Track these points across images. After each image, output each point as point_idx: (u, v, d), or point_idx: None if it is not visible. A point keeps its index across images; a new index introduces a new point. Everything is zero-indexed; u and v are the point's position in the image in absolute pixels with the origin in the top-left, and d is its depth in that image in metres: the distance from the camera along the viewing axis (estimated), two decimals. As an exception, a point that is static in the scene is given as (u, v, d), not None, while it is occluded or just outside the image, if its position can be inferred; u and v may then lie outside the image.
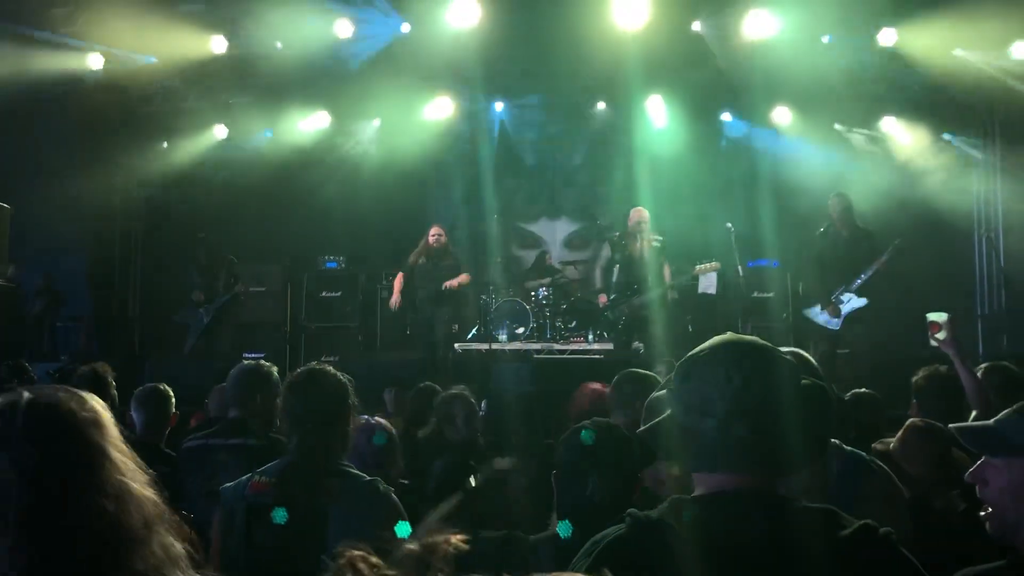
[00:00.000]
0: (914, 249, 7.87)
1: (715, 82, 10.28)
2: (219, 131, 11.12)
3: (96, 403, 1.38)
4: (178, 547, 1.36)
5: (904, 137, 10.56)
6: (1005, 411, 1.90)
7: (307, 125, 11.17)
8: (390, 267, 11.19)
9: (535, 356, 9.61)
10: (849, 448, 2.70)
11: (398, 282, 9.26)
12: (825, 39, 9.60)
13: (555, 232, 12.77)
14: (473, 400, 4.35)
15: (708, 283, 8.83)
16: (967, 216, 10.48)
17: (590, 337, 10.59)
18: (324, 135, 11.30)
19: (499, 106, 11.92)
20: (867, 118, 10.67)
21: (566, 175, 12.71)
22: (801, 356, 1.97)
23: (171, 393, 4.32)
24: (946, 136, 10.50)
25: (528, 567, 2.21)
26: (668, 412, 1.59)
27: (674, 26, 9.45)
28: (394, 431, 3.49)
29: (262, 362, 3.83)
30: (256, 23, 9.47)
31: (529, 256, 12.44)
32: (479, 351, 9.98)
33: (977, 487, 1.90)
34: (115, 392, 4.66)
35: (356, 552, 0.93)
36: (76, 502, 1.27)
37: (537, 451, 3.78)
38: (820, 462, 2.30)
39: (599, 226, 12.26)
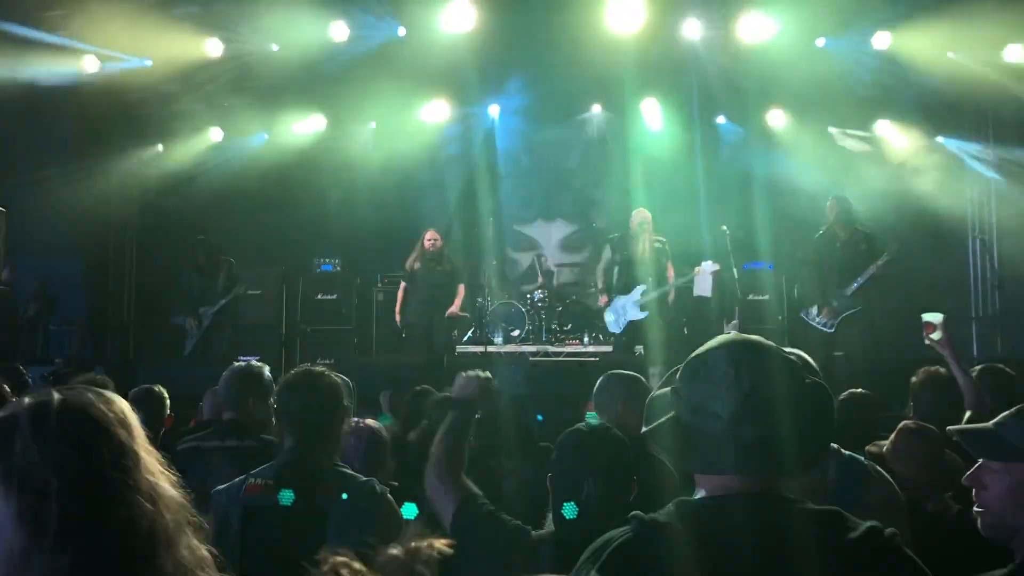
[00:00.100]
0: (909, 252, 7.89)
1: (710, 85, 10.29)
2: (214, 134, 11.11)
3: (123, 404, 1.38)
4: (202, 550, 1.36)
5: (898, 140, 10.59)
6: (1004, 414, 1.90)
7: (303, 128, 11.17)
8: (386, 270, 11.19)
9: (530, 359, 9.62)
10: (847, 452, 2.70)
11: (400, 294, 9.30)
12: (820, 42, 9.62)
13: (550, 235, 12.76)
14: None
15: (704, 286, 8.83)
16: (961, 219, 10.50)
17: (585, 339, 10.61)
18: (320, 138, 11.29)
19: (494, 109, 11.92)
20: (861, 121, 10.70)
21: (561, 178, 12.71)
22: (803, 357, 1.97)
23: (165, 395, 4.31)
24: (940, 139, 10.53)
25: (530, 565, 2.22)
26: (672, 413, 1.57)
27: (668, 30, 9.47)
28: (385, 433, 3.49)
29: (254, 363, 3.82)
30: (252, 26, 9.47)
31: (524, 258, 12.44)
32: (474, 354, 9.98)
33: (975, 491, 1.90)
34: None
35: (339, 558, 0.92)
36: (115, 503, 1.27)
37: (532, 454, 3.77)
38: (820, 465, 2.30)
39: (594, 229, 12.28)
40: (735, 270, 8.73)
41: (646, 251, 8.32)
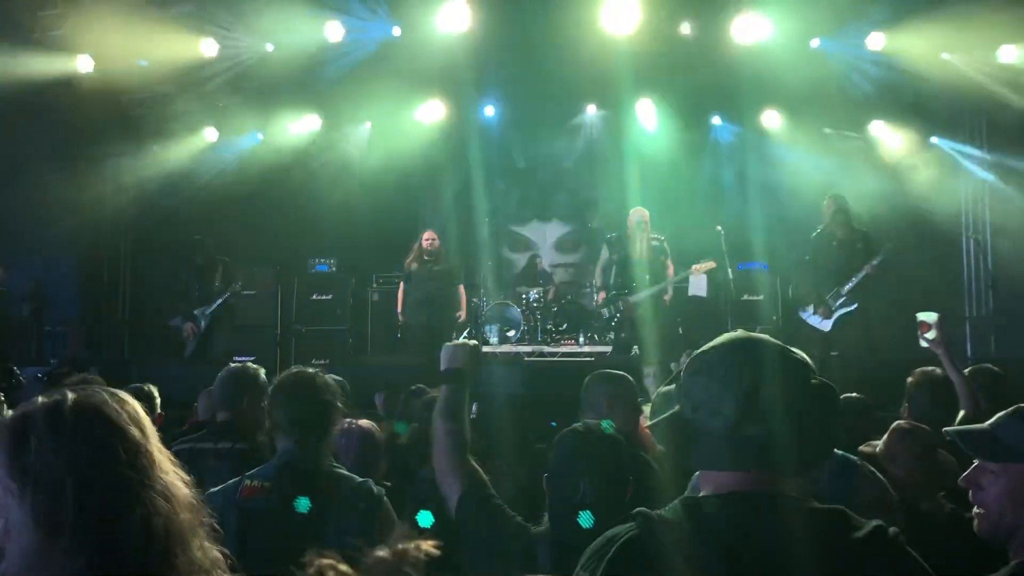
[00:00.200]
0: (903, 251, 7.90)
1: (705, 86, 10.30)
2: (209, 134, 11.09)
3: (135, 403, 1.37)
4: (213, 550, 1.35)
5: (893, 140, 10.61)
6: (1000, 414, 1.90)
7: (298, 128, 11.16)
8: (381, 270, 11.19)
9: (526, 359, 9.62)
10: (840, 452, 2.70)
11: (400, 295, 9.36)
12: (814, 43, 9.64)
13: (546, 235, 12.78)
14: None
15: (698, 286, 8.84)
16: (955, 219, 10.53)
17: (581, 340, 10.62)
18: (315, 138, 11.29)
19: (490, 109, 11.92)
20: (856, 122, 10.72)
21: (557, 178, 12.73)
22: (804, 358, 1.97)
23: (155, 393, 4.29)
24: (934, 139, 10.55)
25: (528, 563, 2.22)
26: (675, 409, 1.57)
27: (664, 30, 9.48)
28: (378, 434, 3.49)
29: (248, 364, 3.81)
30: (247, 26, 9.46)
31: (520, 259, 12.45)
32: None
33: (971, 491, 1.90)
34: None
35: (325, 560, 0.92)
36: (132, 503, 1.25)
37: (528, 454, 3.77)
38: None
39: (590, 229, 12.30)
40: (730, 270, 8.74)
41: (643, 250, 8.33)
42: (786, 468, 1.48)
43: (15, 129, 9.15)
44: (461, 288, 9.49)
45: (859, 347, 7.58)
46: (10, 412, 1.36)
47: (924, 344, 3.95)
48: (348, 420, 3.48)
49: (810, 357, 1.57)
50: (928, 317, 3.90)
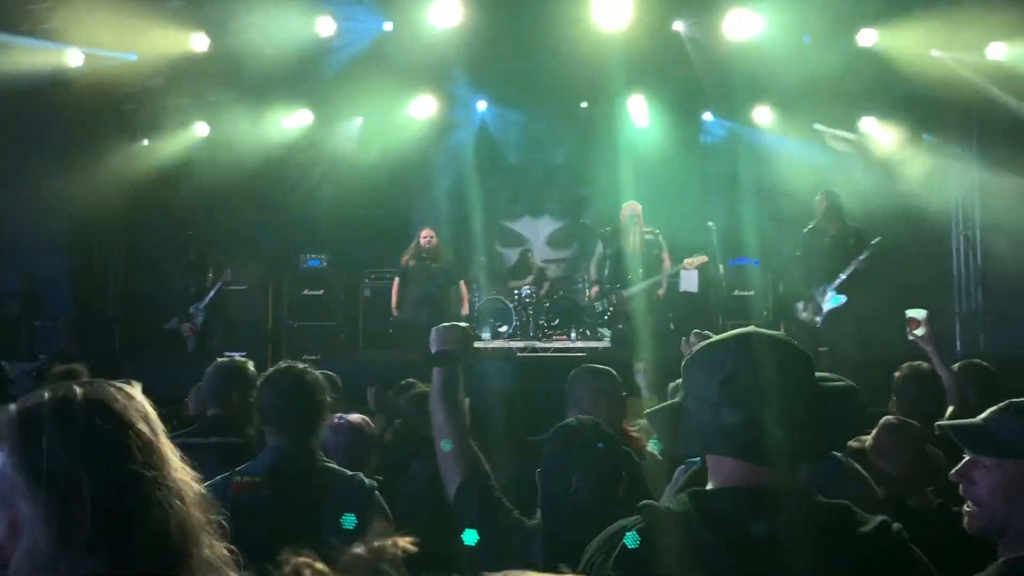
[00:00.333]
0: (892, 247, 7.93)
1: (696, 82, 10.31)
2: (200, 129, 11.05)
3: (143, 397, 1.33)
4: (221, 547, 1.31)
5: (883, 137, 10.64)
6: (992, 409, 1.91)
7: (289, 123, 11.12)
8: (373, 265, 11.18)
9: (518, 354, 9.63)
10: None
11: (394, 288, 9.38)
12: (805, 39, 9.65)
13: (538, 230, 12.79)
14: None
15: (690, 281, 8.87)
16: (945, 215, 10.58)
17: (573, 335, 10.64)
18: (306, 133, 11.25)
19: (481, 105, 11.91)
20: (847, 118, 10.75)
21: (549, 174, 12.73)
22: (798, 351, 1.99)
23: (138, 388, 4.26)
24: (925, 136, 10.59)
25: (523, 556, 2.22)
26: (675, 400, 1.62)
27: (655, 26, 9.48)
28: (368, 429, 3.49)
29: (237, 358, 3.80)
30: (238, 21, 9.41)
31: (512, 254, 12.45)
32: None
33: (962, 485, 1.91)
34: None
35: (301, 559, 0.91)
36: (148, 502, 1.22)
37: (520, 449, 3.77)
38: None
39: (582, 225, 12.30)
40: (721, 266, 8.76)
41: (636, 244, 8.34)
42: (769, 457, 1.47)
43: (5, 124, 9.10)
44: (462, 284, 9.56)
45: (849, 343, 7.61)
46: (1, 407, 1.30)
47: (913, 340, 3.97)
48: (339, 415, 3.48)
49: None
50: (917, 314, 3.93)
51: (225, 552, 1.30)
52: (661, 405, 1.68)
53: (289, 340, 10.76)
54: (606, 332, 9.66)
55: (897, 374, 4.02)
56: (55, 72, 9.20)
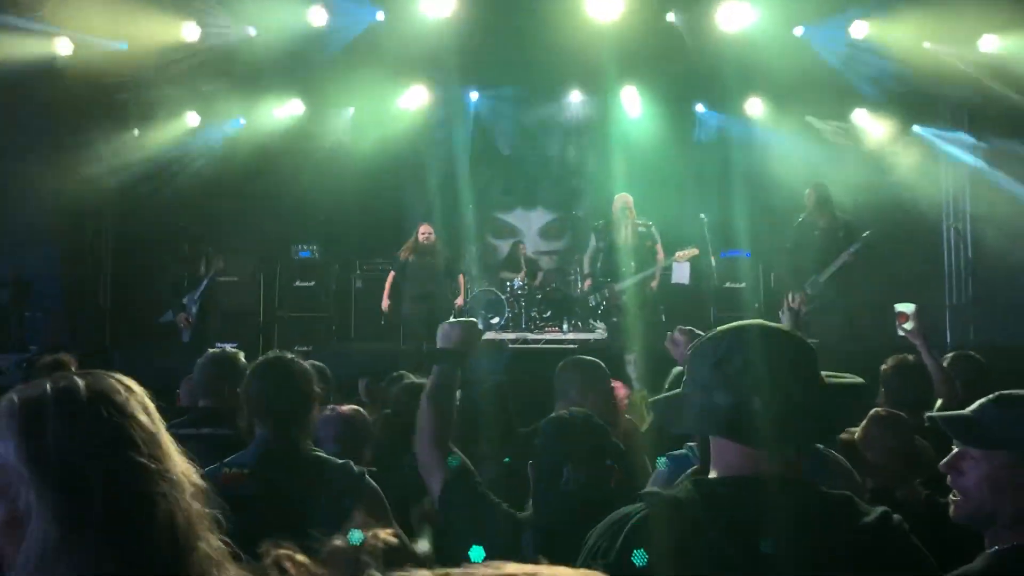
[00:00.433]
0: (882, 239, 7.96)
1: (689, 73, 10.31)
2: (191, 119, 10.99)
3: (141, 388, 1.31)
4: (216, 540, 1.28)
5: (875, 129, 10.66)
6: (981, 400, 1.92)
7: (280, 113, 11.08)
8: (364, 256, 11.16)
9: (510, 346, 9.63)
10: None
11: (388, 282, 9.38)
12: (798, 31, 9.66)
13: (530, 222, 12.78)
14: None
15: (681, 273, 8.87)
16: (936, 207, 10.61)
17: (565, 327, 10.65)
18: (298, 123, 11.21)
19: (474, 96, 11.88)
20: (839, 110, 10.76)
21: (541, 165, 12.71)
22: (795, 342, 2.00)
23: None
24: (916, 128, 10.61)
25: (515, 549, 2.23)
26: (678, 389, 1.67)
27: (648, 17, 9.47)
28: (360, 419, 3.49)
29: (228, 350, 3.80)
30: (229, 10, 9.37)
31: (504, 246, 12.45)
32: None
33: (949, 476, 1.92)
34: None
35: (282, 551, 0.90)
36: (156, 495, 1.20)
37: (511, 441, 3.78)
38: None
39: (574, 217, 12.30)
40: (713, 258, 8.78)
41: (628, 236, 8.34)
42: (758, 438, 1.50)
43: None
44: (461, 277, 9.60)
45: (839, 335, 7.64)
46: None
47: (902, 334, 3.99)
48: (332, 407, 3.48)
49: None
50: (906, 308, 3.95)
51: (222, 545, 1.29)
52: (665, 394, 1.75)
53: (280, 331, 10.74)
54: (599, 324, 9.67)
55: (885, 366, 4.04)
56: (45, 62, 9.14)
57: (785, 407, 1.49)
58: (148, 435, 1.24)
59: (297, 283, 10.88)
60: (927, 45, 9.24)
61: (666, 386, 3.51)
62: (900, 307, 3.97)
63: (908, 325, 3.94)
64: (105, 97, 10.20)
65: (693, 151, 11.66)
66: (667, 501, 1.50)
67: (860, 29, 9.40)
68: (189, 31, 9.49)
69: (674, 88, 10.86)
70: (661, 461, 2.87)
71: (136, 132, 10.76)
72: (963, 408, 1.97)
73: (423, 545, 2.64)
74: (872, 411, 3.18)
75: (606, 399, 3.46)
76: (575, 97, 11.86)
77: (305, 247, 11.19)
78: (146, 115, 10.54)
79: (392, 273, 9.41)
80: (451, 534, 2.37)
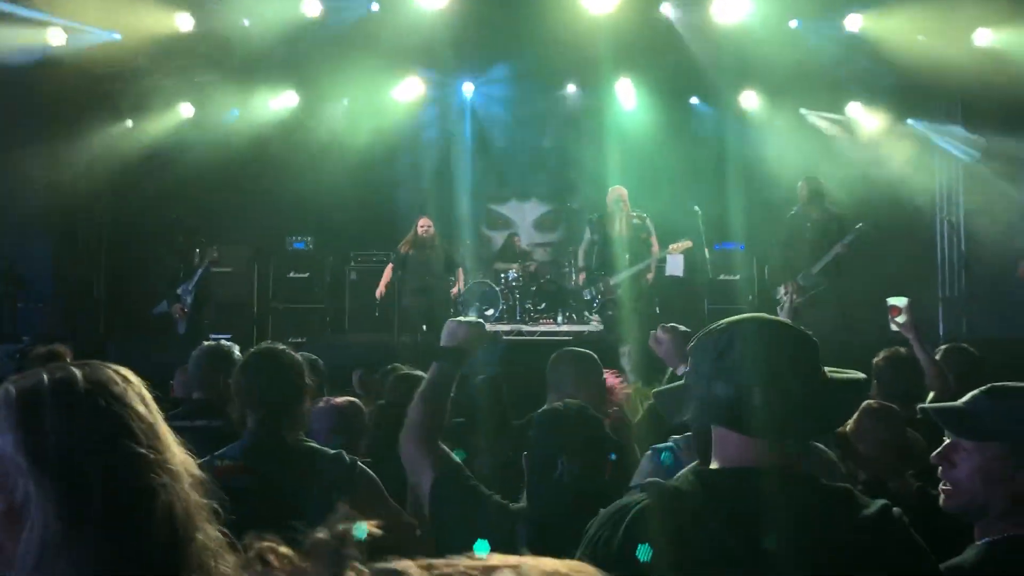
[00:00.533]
0: (875, 232, 7.98)
1: (684, 66, 10.30)
2: (185, 110, 10.95)
3: (138, 379, 1.30)
4: (213, 531, 1.27)
5: (869, 122, 10.68)
6: (973, 392, 1.92)
7: (275, 104, 11.04)
8: (358, 248, 11.15)
9: (504, 338, 9.64)
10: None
11: (386, 273, 9.39)
12: (793, 24, 9.66)
13: (525, 214, 12.77)
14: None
15: (675, 265, 8.88)
16: (930, 200, 10.64)
17: (559, 319, 10.65)
18: (292, 114, 11.18)
19: (468, 87, 11.86)
20: (833, 103, 10.77)
21: (536, 157, 12.69)
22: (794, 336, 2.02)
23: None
24: (910, 121, 10.63)
25: (508, 542, 2.23)
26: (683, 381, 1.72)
27: (643, 9, 9.46)
28: (354, 410, 3.49)
29: (222, 342, 3.80)
30: (223, 0, 9.33)
31: (498, 238, 12.44)
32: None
33: (941, 468, 1.93)
34: None
35: (265, 544, 0.90)
36: (156, 486, 1.19)
37: (506, 432, 3.79)
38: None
39: (569, 208, 12.29)
40: (707, 250, 8.79)
41: (623, 229, 8.33)
42: (757, 428, 1.51)
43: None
44: (460, 271, 9.64)
45: (832, 326, 7.66)
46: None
47: (894, 328, 4.01)
48: (326, 398, 3.48)
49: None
50: (898, 301, 3.96)
51: (220, 535, 1.27)
52: (668, 385, 1.80)
53: (274, 322, 10.73)
54: (593, 318, 9.68)
55: (877, 359, 4.05)
56: (36, 50, 9.09)
57: (784, 400, 1.51)
58: (146, 425, 1.23)
59: (291, 274, 10.87)
60: (921, 38, 9.25)
61: (664, 381, 3.52)
62: (892, 301, 3.98)
63: (901, 319, 3.95)
64: (98, 88, 10.16)
65: (687, 143, 11.65)
66: (668, 491, 1.51)
67: (854, 22, 9.42)
68: (183, 21, 9.46)
69: (669, 81, 10.86)
70: (646, 455, 2.89)
71: (130, 123, 10.72)
72: (956, 400, 1.98)
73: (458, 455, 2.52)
74: (864, 403, 3.19)
75: (599, 391, 3.47)
76: (570, 89, 11.84)
77: (299, 238, 11.18)
78: (140, 106, 10.49)
79: (390, 264, 9.40)
80: (443, 528, 2.37)
